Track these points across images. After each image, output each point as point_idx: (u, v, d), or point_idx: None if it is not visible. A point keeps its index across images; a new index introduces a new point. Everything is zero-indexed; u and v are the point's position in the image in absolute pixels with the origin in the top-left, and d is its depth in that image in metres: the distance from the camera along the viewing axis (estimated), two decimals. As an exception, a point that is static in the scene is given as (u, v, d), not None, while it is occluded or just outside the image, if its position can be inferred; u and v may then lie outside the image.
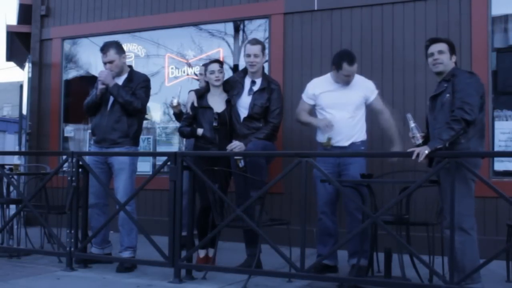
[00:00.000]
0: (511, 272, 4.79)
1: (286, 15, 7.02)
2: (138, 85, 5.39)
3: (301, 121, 5.36)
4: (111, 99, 5.35)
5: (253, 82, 5.33)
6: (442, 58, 4.39)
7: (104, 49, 5.43)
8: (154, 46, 7.96)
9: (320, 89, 5.18)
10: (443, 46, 4.42)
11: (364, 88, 5.14)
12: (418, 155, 4.13)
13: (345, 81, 5.08)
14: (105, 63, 5.43)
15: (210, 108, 5.27)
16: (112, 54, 5.38)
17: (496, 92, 6.12)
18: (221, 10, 7.41)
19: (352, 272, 4.72)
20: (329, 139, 4.98)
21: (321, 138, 5.12)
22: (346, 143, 5.04)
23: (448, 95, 4.25)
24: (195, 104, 5.29)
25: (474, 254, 4.16)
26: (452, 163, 4.03)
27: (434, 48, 4.43)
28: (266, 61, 7.03)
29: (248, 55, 5.28)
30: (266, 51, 7.02)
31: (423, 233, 4.79)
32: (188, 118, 5.35)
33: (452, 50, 4.43)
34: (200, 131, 5.23)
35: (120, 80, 5.42)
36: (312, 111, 5.29)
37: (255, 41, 5.43)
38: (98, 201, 5.42)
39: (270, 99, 5.25)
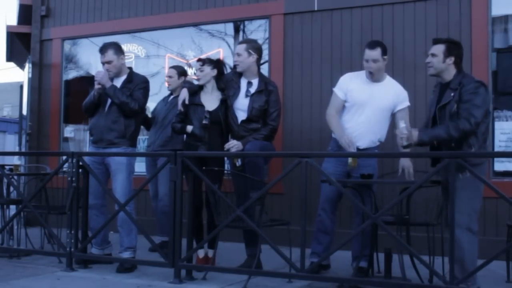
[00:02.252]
0: (511, 272, 4.79)
1: (286, 15, 7.02)
2: (137, 86, 5.40)
3: (329, 124, 5.10)
4: (109, 99, 5.35)
5: (249, 83, 5.29)
6: (433, 62, 4.40)
7: (102, 49, 5.43)
8: (154, 46, 7.97)
9: (353, 84, 5.05)
10: (438, 49, 4.39)
11: (393, 95, 5.01)
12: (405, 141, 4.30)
13: (367, 69, 4.95)
14: (103, 63, 5.43)
15: (202, 106, 5.27)
16: (110, 54, 5.38)
17: (496, 93, 6.12)
18: (221, 11, 7.42)
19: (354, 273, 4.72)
20: (355, 159, 4.78)
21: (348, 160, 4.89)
22: (362, 146, 4.99)
23: (455, 105, 4.24)
24: (187, 101, 5.29)
25: (476, 255, 4.20)
26: (452, 164, 4.03)
27: (431, 50, 4.45)
28: (266, 62, 7.06)
29: (234, 55, 5.33)
30: (266, 51, 7.10)
31: (423, 234, 4.79)
32: (180, 114, 5.35)
33: (449, 52, 4.38)
34: (189, 128, 5.25)
35: (119, 81, 5.42)
36: (342, 108, 5.09)
37: (241, 40, 5.44)
38: (96, 202, 5.41)
39: (269, 101, 5.21)
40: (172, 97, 6.43)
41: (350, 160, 4.75)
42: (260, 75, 5.38)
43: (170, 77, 6.47)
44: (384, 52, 4.95)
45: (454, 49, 4.40)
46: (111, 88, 5.28)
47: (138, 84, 5.41)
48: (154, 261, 5.11)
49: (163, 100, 6.57)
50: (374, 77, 4.98)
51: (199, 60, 5.43)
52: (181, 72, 6.52)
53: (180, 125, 5.32)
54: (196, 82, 5.38)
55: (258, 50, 5.33)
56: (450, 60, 4.37)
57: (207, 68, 5.32)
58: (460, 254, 4.07)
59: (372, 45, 4.98)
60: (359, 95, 5.00)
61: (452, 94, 4.29)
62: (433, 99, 4.51)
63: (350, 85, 5.05)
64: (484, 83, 4.33)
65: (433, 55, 4.41)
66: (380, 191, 5.42)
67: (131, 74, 5.50)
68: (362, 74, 5.10)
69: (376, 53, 4.91)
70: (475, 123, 4.13)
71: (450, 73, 4.39)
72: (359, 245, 4.75)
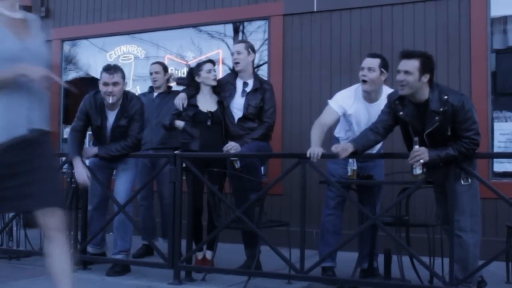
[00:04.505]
0: (511, 273, 4.79)
1: (286, 16, 7.02)
2: (134, 117, 5.12)
3: (311, 132, 4.65)
4: (107, 129, 5.18)
5: (245, 83, 5.32)
6: (408, 80, 3.97)
7: (111, 69, 5.09)
8: (154, 47, 7.97)
9: (353, 109, 4.77)
10: (412, 65, 3.97)
11: None
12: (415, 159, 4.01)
13: (361, 77, 4.67)
14: (107, 84, 5.03)
15: (195, 106, 5.25)
16: (119, 76, 5.07)
17: (495, 93, 6.12)
18: (220, 12, 7.42)
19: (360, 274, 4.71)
20: (354, 170, 4.64)
21: (348, 170, 4.71)
22: (373, 151, 4.94)
23: (448, 127, 3.98)
24: (185, 105, 5.27)
25: (478, 257, 4.16)
26: (452, 165, 4.03)
27: (402, 66, 4.03)
28: (265, 63, 7.07)
29: (232, 54, 5.34)
30: (265, 52, 7.11)
31: (423, 234, 4.78)
32: (175, 115, 5.35)
33: (425, 68, 3.96)
34: (180, 124, 5.24)
35: (113, 115, 5.15)
36: (336, 120, 4.93)
37: (239, 40, 5.45)
38: (103, 204, 5.37)
39: (264, 99, 5.24)
40: (156, 94, 6.22)
41: (350, 173, 4.64)
42: (255, 75, 5.42)
43: (157, 72, 6.22)
44: (383, 65, 4.71)
45: (429, 64, 4.00)
46: (102, 154, 5.11)
47: (135, 113, 5.13)
48: (153, 262, 5.11)
49: (145, 97, 6.17)
50: (369, 91, 4.68)
51: (212, 61, 5.41)
52: (165, 67, 6.45)
53: (169, 121, 5.30)
54: (212, 83, 5.34)
55: (254, 51, 5.41)
56: (426, 78, 3.98)
57: (216, 71, 5.37)
58: (465, 256, 4.06)
59: (372, 54, 4.84)
60: (358, 120, 4.79)
61: (437, 118, 3.96)
62: (412, 121, 4.12)
63: (349, 110, 4.78)
64: (463, 93, 4.11)
65: (407, 72, 3.97)
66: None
67: (124, 102, 5.15)
68: (359, 93, 4.80)
69: (374, 61, 4.68)
70: (479, 135, 3.99)
71: (424, 92, 4.03)
72: (367, 246, 4.74)
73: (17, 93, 2.90)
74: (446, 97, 3.97)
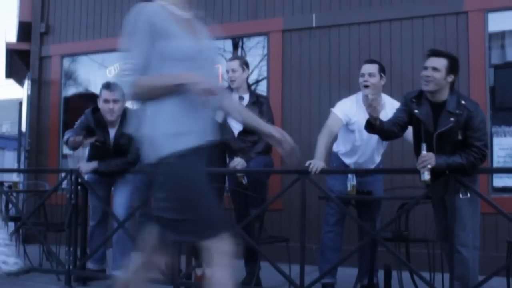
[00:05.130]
0: (511, 288, 4.77)
1: (285, 32, 7.05)
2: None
3: (318, 139, 4.72)
4: (111, 145, 5.18)
5: (240, 98, 5.33)
6: (435, 76, 4.02)
7: (111, 86, 5.11)
8: (154, 63, 7.96)
9: (356, 117, 4.82)
10: (440, 63, 4.03)
11: (391, 110, 4.64)
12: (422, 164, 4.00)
13: (362, 83, 4.76)
14: (108, 101, 5.10)
15: None
16: (120, 94, 5.04)
17: (494, 108, 6.14)
18: (219, 27, 7.44)
19: None
20: (353, 186, 4.67)
21: (347, 186, 4.74)
22: (372, 166, 4.97)
23: (460, 131, 3.99)
24: None
25: (478, 272, 4.15)
26: (452, 180, 4.03)
27: (430, 62, 4.07)
28: (264, 78, 7.09)
29: (227, 71, 5.33)
30: (264, 68, 7.13)
31: (423, 250, 4.77)
32: None
33: (452, 69, 4.04)
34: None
35: (113, 132, 5.19)
36: (341, 127, 4.94)
37: (233, 57, 5.46)
38: (103, 219, 5.36)
39: (262, 111, 5.26)
40: None
41: (349, 188, 4.66)
42: (250, 90, 5.44)
43: None
44: (382, 70, 4.83)
45: (455, 66, 4.09)
46: (102, 169, 5.16)
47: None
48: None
49: None
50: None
51: None
52: None
53: None
54: None
55: (248, 66, 5.42)
56: (450, 78, 4.05)
57: None
58: (466, 272, 4.05)
59: (370, 60, 4.95)
60: (361, 128, 4.69)
61: (452, 119, 4.00)
62: (425, 119, 4.13)
63: (353, 117, 4.84)
64: (477, 103, 4.16)
65: (435, 69, 4.03)
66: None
67: (123, 119, 5.13)
68: (359, 101, 4.87)
69: (373, 66, 4.80)
70: (487, 147, 4.03)
71: (445, 92, 4.08)
72: (367, 261, 4.73)
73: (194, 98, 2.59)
74: (463, 102, 4.04)
